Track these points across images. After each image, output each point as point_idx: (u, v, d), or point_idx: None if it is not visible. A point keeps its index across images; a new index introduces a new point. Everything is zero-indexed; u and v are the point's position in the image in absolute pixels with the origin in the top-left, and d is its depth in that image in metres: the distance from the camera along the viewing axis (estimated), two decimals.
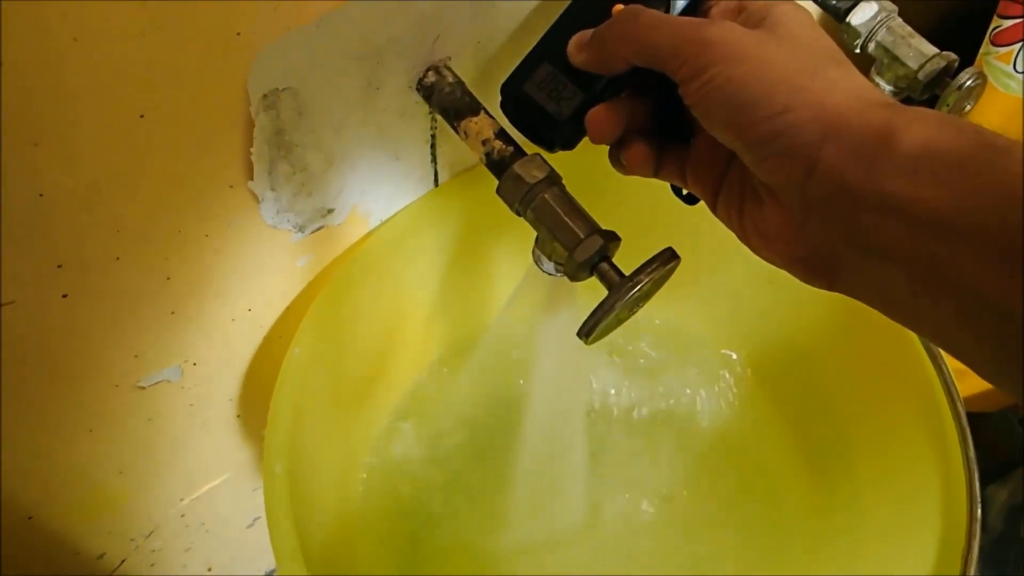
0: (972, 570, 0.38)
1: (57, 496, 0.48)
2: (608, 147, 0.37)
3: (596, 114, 0.35)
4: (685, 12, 0.37)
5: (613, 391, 0.57)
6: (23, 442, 0.43)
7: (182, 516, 0.59)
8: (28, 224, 0.34)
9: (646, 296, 0.38)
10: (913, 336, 0.47)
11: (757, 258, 0.33)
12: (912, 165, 0.26)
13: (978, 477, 0.42)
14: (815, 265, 0.30)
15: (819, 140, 0.28)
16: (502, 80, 0.39)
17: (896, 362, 0.47)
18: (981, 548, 0.76)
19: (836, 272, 0.30)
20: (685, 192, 0.38)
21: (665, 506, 0.55)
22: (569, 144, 0.39)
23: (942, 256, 0.25)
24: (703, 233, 0.43)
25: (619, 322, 0.38)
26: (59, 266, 0.36)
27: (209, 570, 0.67)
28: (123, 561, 0.57)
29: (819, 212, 0.28)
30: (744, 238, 0.33)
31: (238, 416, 0.55)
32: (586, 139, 0.39)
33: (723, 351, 0.60)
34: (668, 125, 0.37)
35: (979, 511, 0.39)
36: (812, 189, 0.28)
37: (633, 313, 0.38)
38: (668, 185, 0.38)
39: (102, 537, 0.54)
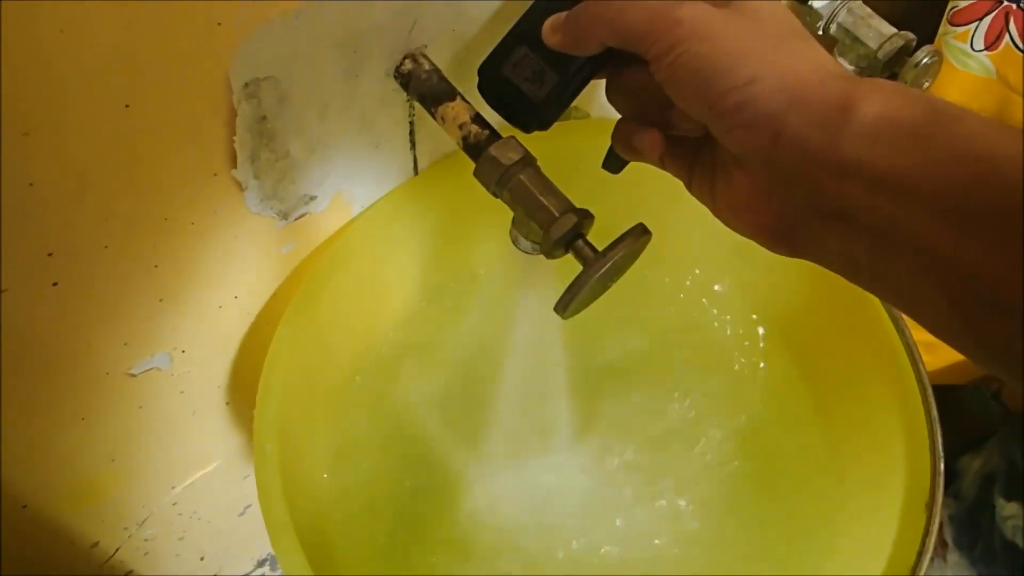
0: (936, 522, 0.40)
1: (50, 485, 0.49)
2: (615, 131, 0.39)
3: (651, 139, 0.36)
4: None
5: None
6: (16, 431, 0.44)
7: (174, 504, 0.60)
8: (20, 213, 0.35)
9: (619, 270, 0.39)
10: (878, 303, 0.49)
11: (725, 233, 0.34)
12: (870, 132, 0.27)
13: (949, 444, 0.44)
14: (780, 232, 0.32)
15: (783, 109, 0.29)
16: (478, 65, 0.40)
17: (864, 328, 0.49)
18: (956, 516, 0.78)
19: (799, 238, 0.31)
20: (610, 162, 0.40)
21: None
22: (545, 124, 0.40)
23: (898, 217, 0.27)
24: (674, 210, 0.45)
25: (594, 296, 0.39)
26: (50, 254, 0.37)
27: (202, 559, 0.68)
28: (117, 550, 0.58)
29: (784, 179, 0.30)
30: (715, 211, 0.35)
31: (227, 403, 0.56)
32: (560, 121, 0.41)
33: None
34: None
35: (941, 465, 0.41)
36: (778, 157, 0.29)
37: (607, 287, 0.40)
38: (643, 165, 0.40)
39: (96, 526, 0.55)
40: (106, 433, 0.49)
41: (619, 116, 0.39)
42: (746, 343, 0.60)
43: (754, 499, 0.55)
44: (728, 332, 0.60)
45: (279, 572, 0.78)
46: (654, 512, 0.56)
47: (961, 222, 0.25)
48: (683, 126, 0.36)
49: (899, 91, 0.28)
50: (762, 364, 0.59)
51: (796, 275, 0.55)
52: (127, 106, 0.35)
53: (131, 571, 0.61)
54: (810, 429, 0.55)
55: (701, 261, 0.61)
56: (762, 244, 0.33)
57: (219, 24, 0.35)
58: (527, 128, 0.40)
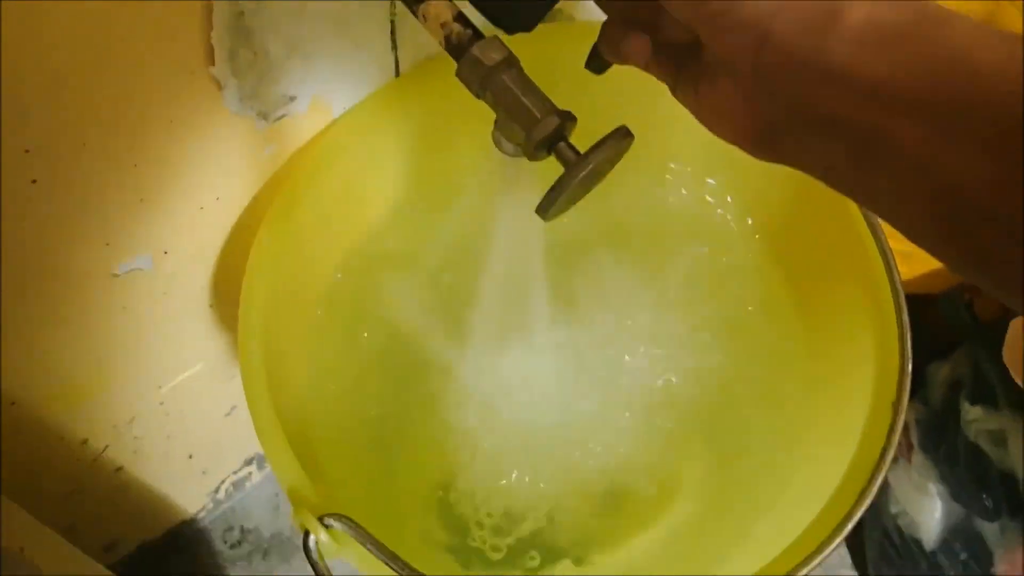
0: (901, 419, 0.42)
1: (38, 384, 0.50)
2: (601, 34, 0.38)
3: (639, 44, 0.36)
4: None
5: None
6: (2, 330, 0.44)
7: (161, 404, 0.61)
8: None
9: (601, 173, 0.39)
10: (855, 208, 0.49)
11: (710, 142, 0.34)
12: (856, 37, 0.27)
13: (920, 352, 0.46)
14: (763, 138, 0.32)
15: (770, 13, 0.29)
16: None
17: (841, 231, 0.50)
18: (922, 419, 0.80)
19: (782, 144, 0.31)
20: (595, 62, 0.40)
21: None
22: (528, 26, 0.40)
23: (880, 124, 0.26)
24: (656, 115, 0.45)
25: (576, 198, 0.39)
26: (27, 151, 0.37)
27: (190, 457, 0.70)
28: (106, 447, 0.60)
29: (769, 84, 0.30)
30: (699, 116, 0.35)
31: (211, 305, 0.56)
32: (544, 24, 0.40)
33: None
34: None
35: (909, 365, 0.43)
36: (763, 61, 0.29)
37: (590, 189, 0.40)
38: (623, 69, 0.39)
39: (85, 424, 0.56)
40: (91, 334, 0.50)
41: (604, 18, 0.38)
42: (731, 235, 0.61)
43: (730, 381, 0.57)
44: (714, 223, 0.61)
45: (267, 470, 0.80)
46: (630, 384, 0.57)
47: (943, 131, 0.25)
48: (671, 30, 0.35)
49: None
50: (746, 254, 0.60)
51: (780, 175, 0.55)
52: None
53: (120, 467, 0.62)
54: (788, 321, 0.56)
55: (686, 159, 0.61)
56: (745, 150, 0.33)
57: None
58: (510, 30, 0.40)
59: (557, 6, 0.56)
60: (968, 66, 0.25)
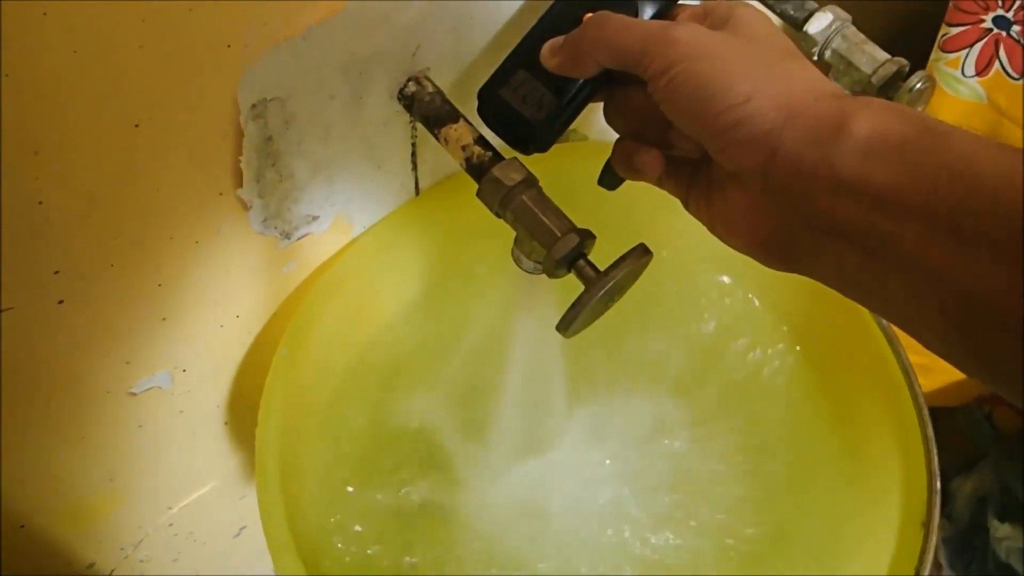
0: (933, 540, 0.40)
1: (49, 504, 0.49)
2: (614, 150, 0.39)
3: (651, 158, 0.37)
4: (653, 18, 0.39)
5: None
6: (16, 450, 0.44)
7: (170, 525, 0.60)
8: (27, 231, 0.35)
9: (621, 290, 0.40)
10: (874, 325, 0.49)
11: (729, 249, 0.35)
12: (863, 149, 0.28)
13: (942, 466, 0.45)
14: (775, 248, 0.33)
15: (779, 127, 0.30)
16: (479, 87, 0.41)
17: (861, 348, 0.49)
18: (950, 538, 0.78)
19: (794, 253, 0.32)
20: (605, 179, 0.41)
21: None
22: (544, 147, 0.41)
23: (889, 232, 0.27)
24: (672, 230, 0.45)
25: (596, 315, 0.40)
26: (56, 272, 0.38)
27: None
28: (112, 571, 0.58)
29: (779, 195, 0.30)
30: (712, 228, 0.36)
31: (226, 423, 0.56)
32: (559, 143, 0.41)
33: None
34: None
35: (938, 483, 0.42)
36: (773, 174, 0.30)
37: (609, 307, 0.40)
38: (639, 185, 0.40)
39: (92, 546, 0.55)
40: (105, 452, 0.49)
41: (617, 137, 0.39)
42: (758, 348, 0.61)
43: (757, 512, 0.55)
44: (740, 341, 0.61)
45: None
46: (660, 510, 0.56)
47: (952, 238, 0.26)
48: (681, 146, 0.36)
49: (891, 109, 0.29)
50: (765, 368, 0.60)
51: (798, 291, 0.55)
52: (137, 126, 0.35)
53: None
54: (812, 448, 0.55)
55: (705, 275, 0.62)
56: (757, 259, 0.34)
57: (228, 46, 0.35)
58: (526, 150, 0.41)
59: (572, 126, 0.58)
60: (973, 175, 0.26)
